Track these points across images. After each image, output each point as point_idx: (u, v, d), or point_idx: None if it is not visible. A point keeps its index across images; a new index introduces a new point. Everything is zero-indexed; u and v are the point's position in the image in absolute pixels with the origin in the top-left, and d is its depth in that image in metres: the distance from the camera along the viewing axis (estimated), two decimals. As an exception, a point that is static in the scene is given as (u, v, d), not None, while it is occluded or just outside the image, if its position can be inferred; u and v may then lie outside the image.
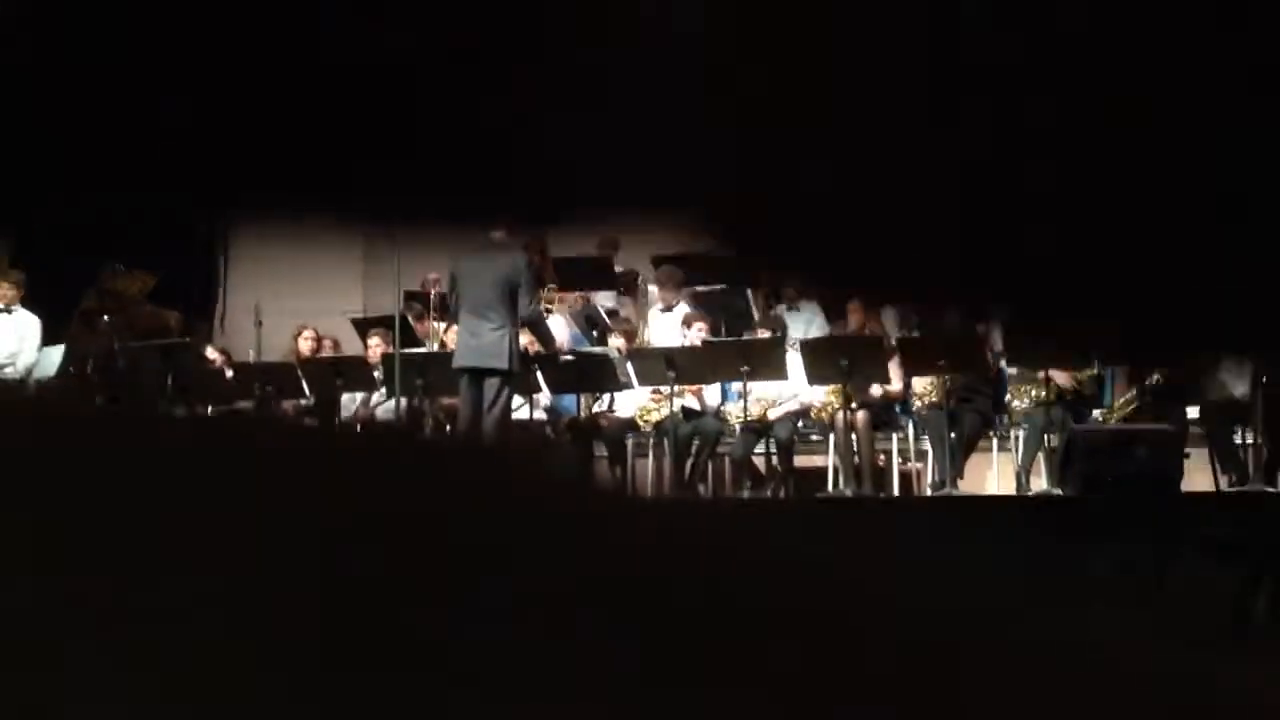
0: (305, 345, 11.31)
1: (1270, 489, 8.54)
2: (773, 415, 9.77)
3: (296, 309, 12.89)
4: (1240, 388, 8.94)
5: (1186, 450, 8.77)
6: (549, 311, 11.18)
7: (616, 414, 10.32)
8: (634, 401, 10.22)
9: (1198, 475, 8.96)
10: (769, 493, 9.77)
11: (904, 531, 8.23)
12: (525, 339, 10.46)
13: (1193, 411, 9.19)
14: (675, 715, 1.42)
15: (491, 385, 9.40)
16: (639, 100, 3.17)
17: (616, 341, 10.63)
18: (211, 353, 11.64)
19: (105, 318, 11.87)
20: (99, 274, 12.05)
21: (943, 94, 3.11)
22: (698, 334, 10.26)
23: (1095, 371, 9.46)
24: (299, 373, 10.64)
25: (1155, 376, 8.96)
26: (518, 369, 9.55)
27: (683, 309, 11.02)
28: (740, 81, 3.16)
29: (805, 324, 10.77)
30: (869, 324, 9.89)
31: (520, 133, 3.30)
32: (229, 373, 10.99)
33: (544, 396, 10.49)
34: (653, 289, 11.40)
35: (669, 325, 10.77)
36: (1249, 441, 8.94)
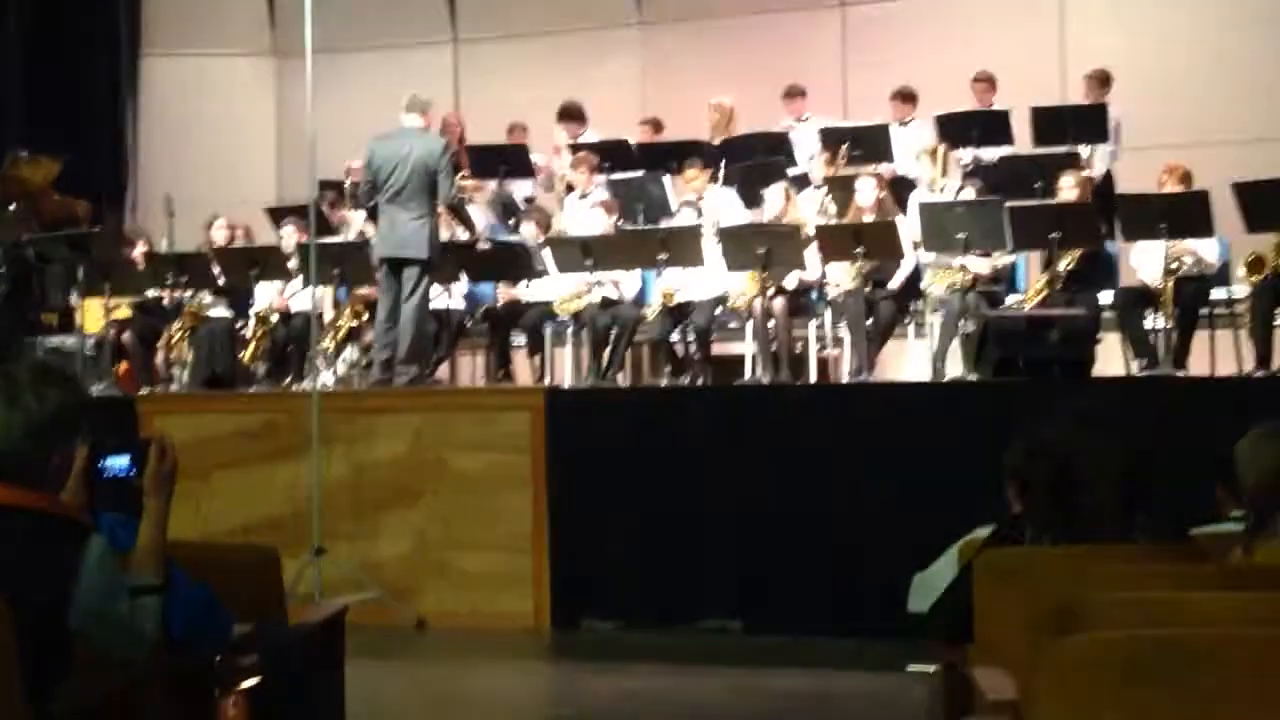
0: (219, 235, 11.14)
1: (1179, 373, 8.64)
2: (678, 300, 9.77)
3: (208, 197, 12.72)
4: (1152, 273, 9.02)
5: (1099, 335, 8.85)
6: (464, 201, 11.09)
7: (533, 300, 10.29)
8: (552, 289, 10.18)
9: (1111, 359, 9.06)
10: (687, 380, 9.78)
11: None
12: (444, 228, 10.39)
13: (1105, 296, 9.27)
14: None
15: (411, 273, 9.33)
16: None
17: (530, 229, 10.56)
18: (136, 242, 11.43)
19: (11, 206, 11.65)
20: (2, 160, 11.81)
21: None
22: (606, 218, 10.22)
23: (1009, 257, 9.50)
24: (213, 263, 10.50)
25: (1067, 261, 9.01)
26: (437, 258, 9.48)
27: (599, 194, 10.97)
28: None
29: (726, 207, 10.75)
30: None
31: None
32: (141, 264, 10.83)
33: (461, 284, 10.44)
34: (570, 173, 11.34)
35: (584, 211, 10.72)
36: (1159, 326, 9.05)
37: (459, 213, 10.06)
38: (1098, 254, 9.27)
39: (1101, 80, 11.36)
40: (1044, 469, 3.99)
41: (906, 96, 11.65)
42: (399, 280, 9.38)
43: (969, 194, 9.73)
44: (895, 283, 9.59)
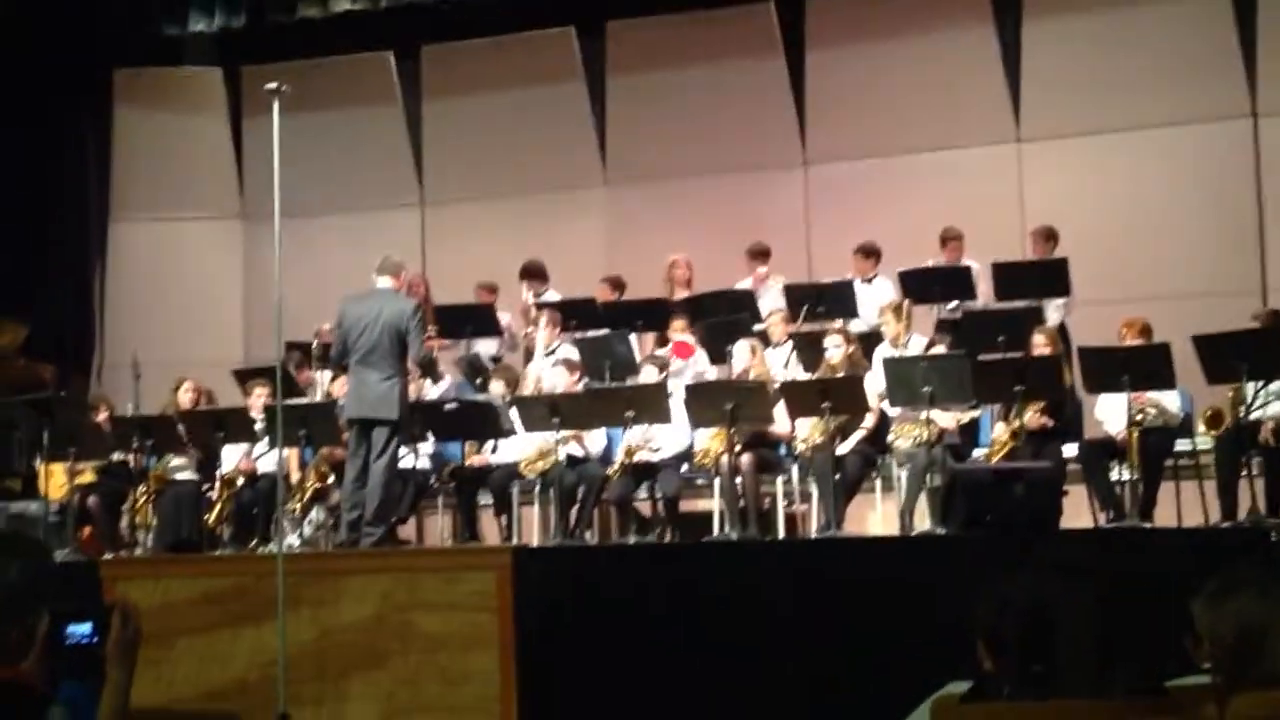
0: (185, 398, 11.12)
1: (1146, 524, 8.65)
2: (640, 458, 9.77)
3: (176, 360, 12.73)
4: (1116, 425, 9.07)
5: (1065, 488, 8.87)
6: (433, 360, 11.14)
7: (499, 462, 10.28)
8: (518, 448, 10.17)
9: (1078, 512, 9.07)
10: (654, 537, 9.74)
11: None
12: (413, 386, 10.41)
13: (1070, 450, 9.30)
14: None
15: (380, 434, 9.31)
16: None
17: (498, 388, 10.57)
18: (101, 410, 11.40)
19: (-24, 372, 11.62)
20: (-32, 327, 11.81)
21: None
22: (565, 381, 10.28)
23: (974, 411, 9.55)
24: (179, 425, 10.46)
25: (1032, 412, 9.05)
26: (406, 419, 9.48)
27: (565, 351, 11.02)
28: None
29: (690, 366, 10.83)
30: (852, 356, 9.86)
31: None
32: (106, 427, 10.79)
33: (428, 444, 10.41)
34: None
35: (549, 369, 10.77)
36: (1124, 478, 9.08)
37: (431, 370, 10.10)
38: (1063, 406, 9.32)
39: (1047, 235, 11.57)
40: (1014, 624, 3.95)
41: (869, 252, 11.78)
42: (368, 441, 9.36)
43: (939, 348, 9.77)
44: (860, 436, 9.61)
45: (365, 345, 9.32)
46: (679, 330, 11.06)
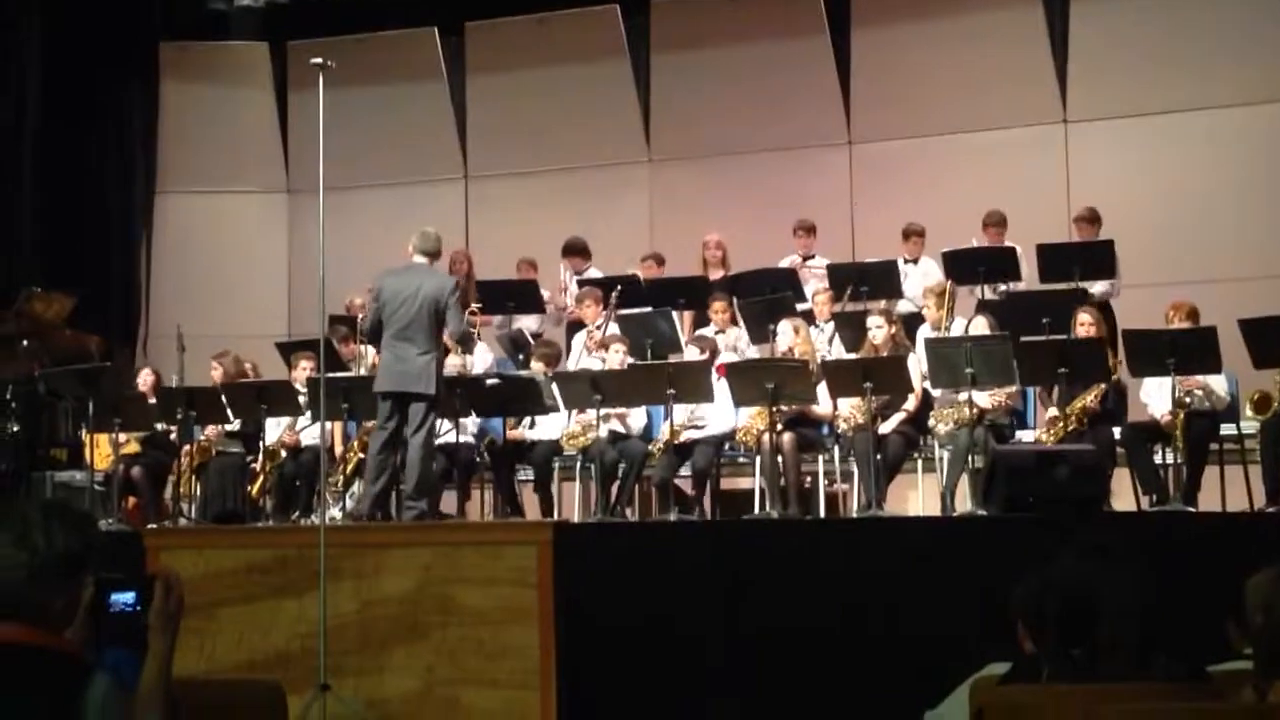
0: (216, 373, 11.13)
1: (1190, 508, 8.61)
2: (685, 437, 9.76)
3: (220, 332, 12.81)
4: (1161, 408, 9.02)
5: (1110, 471, 8.82)
6: (472, 336, 11.14)
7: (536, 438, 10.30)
8: (558, 424, 10.19)
9: (1121, 495, 9.03)
10: (694, 516, 9.74)
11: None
12: (456, 361, 10.44)
13: (1116, 433, 9.25)
14: None
15: (418, 409, 9.32)
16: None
17: (538, 366, 10.57)
18: (144, 375, 11.48)
19: (24, 342, 11.70)
20: (16, 296, 11.89)
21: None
22: (615, 356, 10.27)
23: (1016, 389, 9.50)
24: (222, 397, 10.52)
25: (1092, 397, 9.00)
26: (442, 393, 9.49)
27: (609, 329, 11.02)
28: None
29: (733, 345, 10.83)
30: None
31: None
32: (151, 399, 10.85)
33: (471, 421, 10.44)
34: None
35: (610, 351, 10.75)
36: (1169, 462, 9.03)
37: (467, 345, 10.10)
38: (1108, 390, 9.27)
39: (1091, 219, 11.48)
40: (1055, 606, 3.94)
41: (915, 233, 11.73)
42: (400, 414, 9.36)
43: (981, 326, 9.70)
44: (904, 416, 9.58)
45: (403, 319, 9.31)
46: (718, 312, 11.01)
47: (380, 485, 9.38)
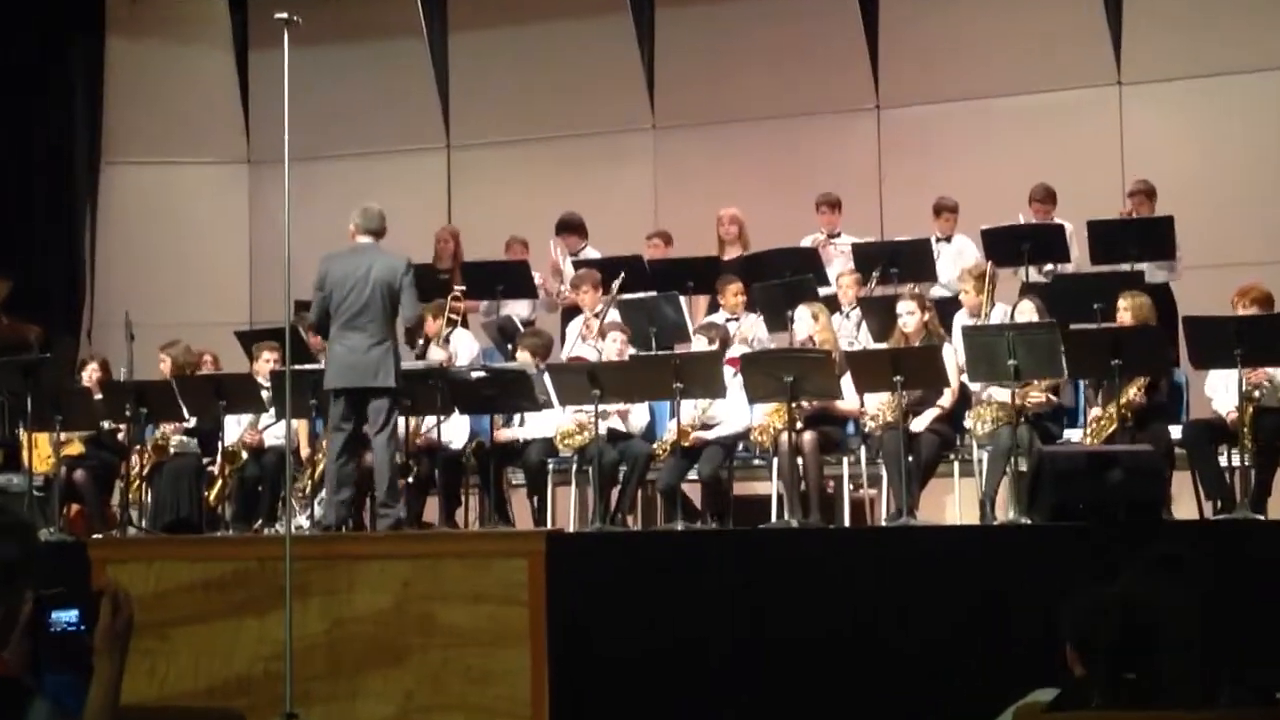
0: (164, 366, 11.11)
1: (1258, 515, 8.60)
2: (695, 438, 9.75)
3: (174, 320, 12.81)
4: (1226, 404, 9.01)
5: (1168, 474, 8.81)
6: (453, 323, 11.13)
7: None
8: (551, 422, 10.19)
9: (1182, 501, 9.02)
10: (701, 524, 9.74)
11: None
12: (442, 354, 10.44)
13: (1173, 432, 9.24)
14: None
15: (378, 406, 9.31)
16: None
17: (525, 357, 10.56)
18: (88, 368, 11.46)
19: (-44, 331, 11.70)
20: (-52, 283, 11.89)
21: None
22: (613, 345, 10.26)
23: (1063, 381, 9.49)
24: (176, 392, 10.50)
25: (1133, 391, 9.00)
26: (402, 386, 9.47)
27: (608, 316, 11.01)
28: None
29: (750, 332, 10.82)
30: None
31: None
32: (97, 394, 10.84)
33: (462, 419, 10.42)
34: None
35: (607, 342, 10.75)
36: (1235, 463, 9.02)
37: (414, 336, 10.05)
38: (1163, 383, 9.27)
39: (1147, 193, 11.46)
40: (1109, 627, 3.94)
41: (947, 209, 11.72)
42: (360, 412, 9.35)
43: (1027, 310, 9.69)
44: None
45: (354, 306, 9.27)
46: (731, 295, 11.01)
47: (345, 494, 9.37)
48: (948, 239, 11.64)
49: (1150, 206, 11.40)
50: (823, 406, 9.61)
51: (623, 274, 11.21)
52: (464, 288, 11.56)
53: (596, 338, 10.65)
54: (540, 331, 11.26)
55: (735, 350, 10.31)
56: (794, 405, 9.27)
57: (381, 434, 9.29)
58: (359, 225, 9.49)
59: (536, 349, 10.66)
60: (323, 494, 10.32)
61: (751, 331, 10.90)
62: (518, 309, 12.26)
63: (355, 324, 9.27)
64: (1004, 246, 10.97)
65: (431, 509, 10.43)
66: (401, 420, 9.97)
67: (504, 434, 10.26)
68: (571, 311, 11.68)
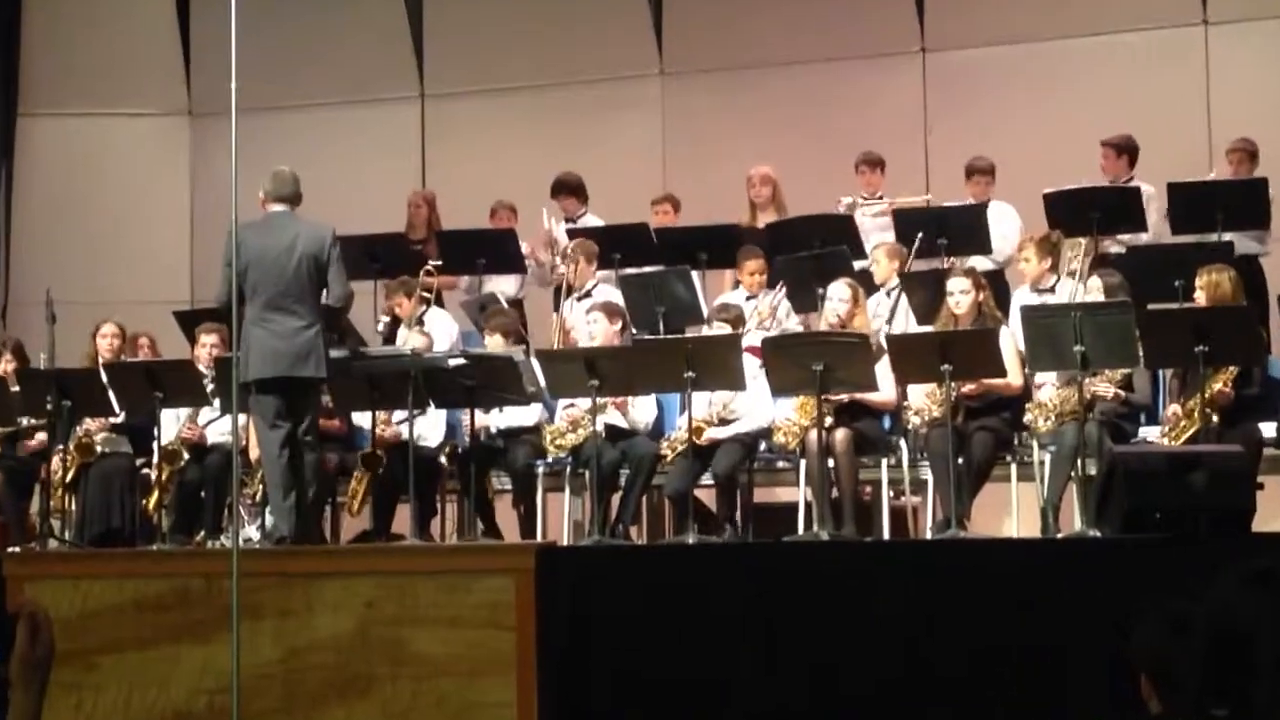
0: (106, 346, 11.15)
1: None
2: (710, 436, 9.75)
3: (102, 297, 12.81)
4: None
5: (1260, 479, 8.83)
6: (426, 301, 11.13)
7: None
8: (534, 414, 10.20)
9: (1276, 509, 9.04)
10: (716, 536, 9.75)
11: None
12: (419, 340, 10.45)
13: (1267, 430, 9.25)
14: None
15: (308, 401, 9.35)
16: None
17: (495, 341, 10.55)
18: (3, 356, 11.47)
19: None
20: None
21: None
22: (597, 325, 10.26)
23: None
24: (104, 382, 10.51)
25: (1219, 383, 9.00)
26: (329, 375, 9.48)
27: (604, 293, 11.00)
28: None
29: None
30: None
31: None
32: (13, 385, 10.86)
33: (436, 414, 10.44)
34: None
35: (584, 316, 10.76)
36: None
37: (339, 317, 9.99)
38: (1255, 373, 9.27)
39: (1249, 152, 11.43)
40: (1190, 653, 3.93)
41: (980, 171, 11.68)
42: (288, 406, 9.40)
43: (1096, 288, 9.69)
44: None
45: (277, 284, 9.26)
46: (750, 272, 10.97)
47: (294, 498, 9.39)
48: (983, 206, 11.58)
49: (1251, 168, 11.37)
50: (853, 399, 9.60)
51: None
52: (439, 262, 11.56)
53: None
54: (506, 311, 11.21)
55: (751, 337, 10.26)
56: (824, 398, 9.26)
57: (310, 435, 9.34)
58: (270, 192, 9.47)
59: (505, 329, 10.64)
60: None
61: (769, 305, 10.78)
62: (503, 285, 12.25)
63: (280, 304, 9.27)
64: (1069, 214, 10.94)
65: (402, 518, 10.44)
66: (367, 416, 10.01)
67: (479, 420, 10.22)
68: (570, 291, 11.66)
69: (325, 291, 9.36)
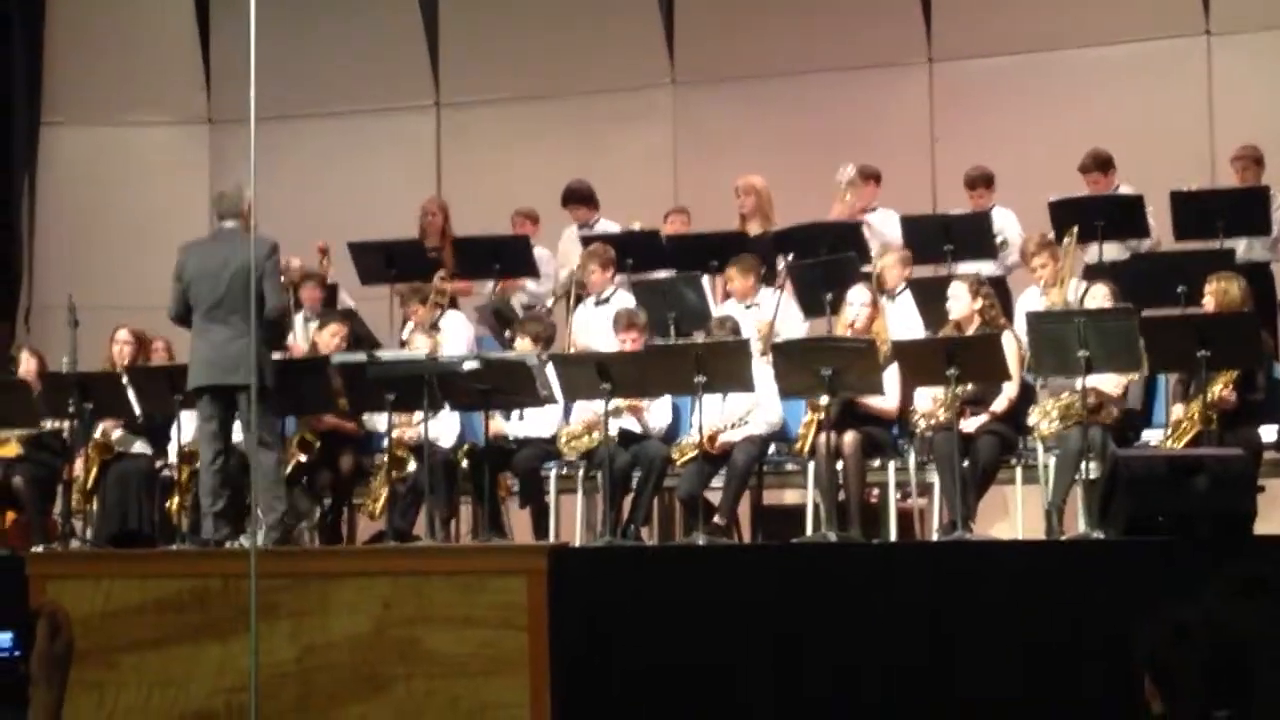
0: (119, 350, 11.15)
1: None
2: (724, 441, 9.73)
3: (123, 302, 12.81)
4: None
5: (1261, 482, 8.81)
6: (440, 306, 11.13)
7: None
8: (550, 421, 10.19)
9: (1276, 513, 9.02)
10: (726, 538, 9.74)
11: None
12: (427, 343, 10.44)
13: (1268, 434, 9.23)
14: None
15: (246, 409, 9.39)
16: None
17: (525, 344, 10.54)
18: (25, 358, 11.47)
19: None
20: None
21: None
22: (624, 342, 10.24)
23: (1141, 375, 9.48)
24: (125, 385, 10.51)
25: (1221, 387, 8.99)
26: (273, 383, 9.53)
27: (622, 299, 10.98)
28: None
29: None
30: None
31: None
32: (36, 387, 10.85)
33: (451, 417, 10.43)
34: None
35: (602, 322, 10.74)
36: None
37: (275, 330, 10.01)
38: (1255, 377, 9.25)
39: (1254, 159, 11.41)
40: (1192, 656, 3.92)
41: (980, 180, 11.67)
42: (227, 413, 9.55)
43: (1100, 295, 9.68)
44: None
45: (212, 297, 9.54)
46: (738, 279, 10.86)
47: (221, 505, 9.51)
48: (987, 213, 11.56)
49: (1257, 175, 11.34)
50: (855, 402, 9.58)
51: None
52: (448, 270, 11.57)
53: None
54: (540, 318, 11.21)
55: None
56: (831, 402, 9.25)
57: (258, 441, 9.37)
58: (218, 211, 9.85)
59: (539, 336, 10.63)
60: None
61: (769, 317, 10.71)
62: (532, 290, 12.20)
63: (215, 315, 9.55)
64: (1074, 221, 10.91)
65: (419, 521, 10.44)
66: (384, 417, 10.00)
67: (496, 426, 10.21)
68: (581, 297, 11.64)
69: None
